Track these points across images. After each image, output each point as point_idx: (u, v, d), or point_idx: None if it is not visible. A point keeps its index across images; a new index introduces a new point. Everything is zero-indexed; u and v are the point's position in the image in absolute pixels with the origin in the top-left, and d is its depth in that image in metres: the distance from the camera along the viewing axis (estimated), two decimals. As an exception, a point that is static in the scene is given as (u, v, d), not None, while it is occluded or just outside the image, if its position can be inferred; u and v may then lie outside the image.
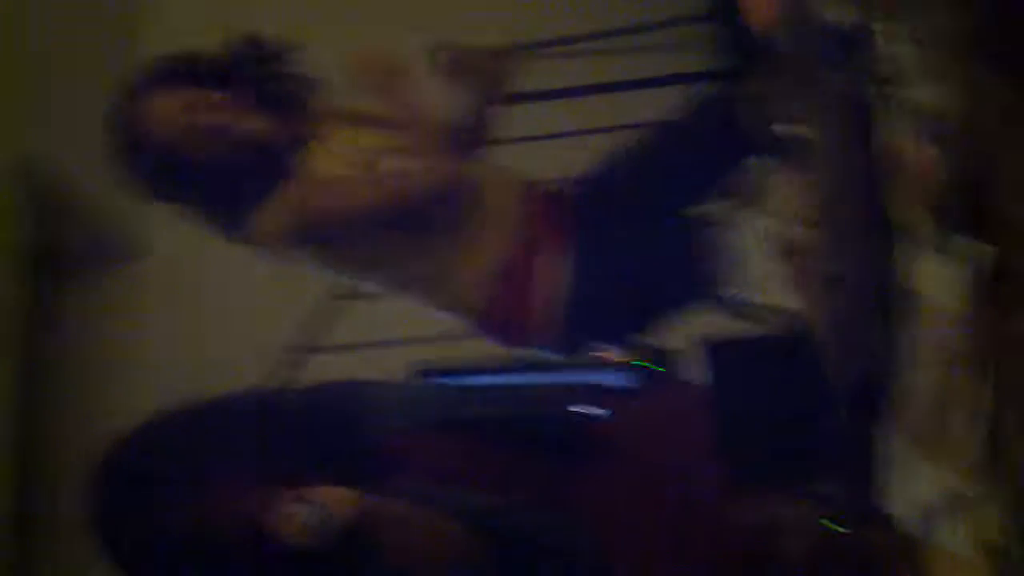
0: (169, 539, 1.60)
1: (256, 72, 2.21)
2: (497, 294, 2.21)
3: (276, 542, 1.50)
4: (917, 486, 1.28)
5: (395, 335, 3.72)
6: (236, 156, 2.11)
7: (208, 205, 2.18)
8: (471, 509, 1.65)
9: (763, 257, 1.50)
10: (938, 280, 1.22)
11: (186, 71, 2.17)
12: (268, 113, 2.17)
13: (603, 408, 1.91)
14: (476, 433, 1.77)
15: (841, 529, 1.56)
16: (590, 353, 2.40)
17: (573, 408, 1.89)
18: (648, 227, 2.26)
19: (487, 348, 3.27)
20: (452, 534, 1.63)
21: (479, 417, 1.79)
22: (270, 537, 1.51)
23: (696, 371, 1.85)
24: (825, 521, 1.63)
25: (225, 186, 2.12)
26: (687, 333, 1.90)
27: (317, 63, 2.29)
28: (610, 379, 2.80)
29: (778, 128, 1.43)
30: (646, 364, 2.74)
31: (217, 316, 4.28)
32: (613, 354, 2.91)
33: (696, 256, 1.78)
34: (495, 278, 2.21)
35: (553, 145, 2.90)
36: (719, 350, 1.64)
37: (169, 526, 1.60)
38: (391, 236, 2.15)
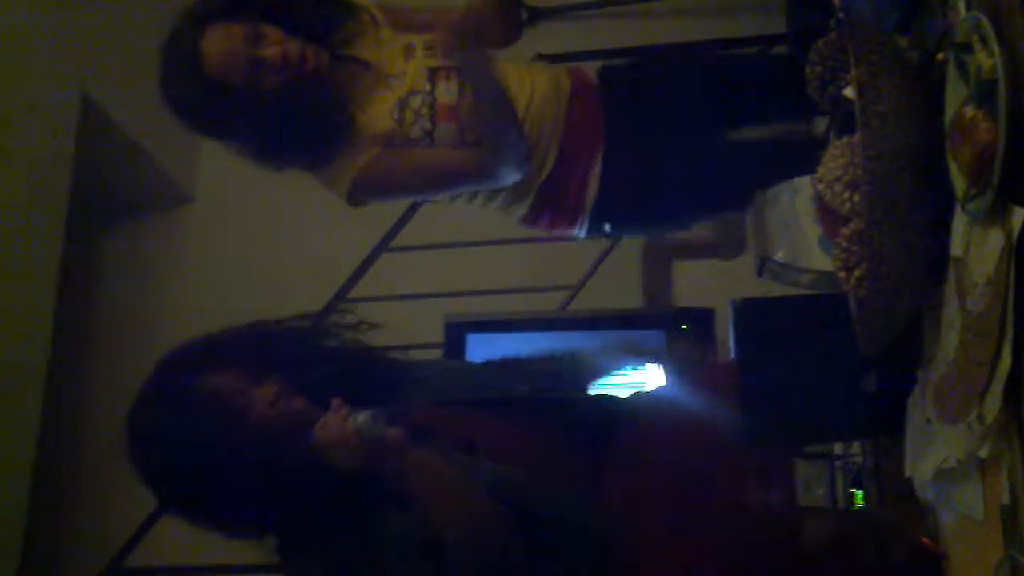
0: (203, 453, 1.60)
1: (305, 5, 2.22)
2: (546, 181, 2.26)
3: (319, 452, 1.52)
4: (935, 449, 1.26)
5: (432, 288, 3.74)
6: (291, 87, 2.11)
7: (259, 138, 2.18)
8: (494, 481, 1.65)
9: (811, 222, 1.47)
10: (974, 245, 1.19)
11: (238, 4, 2.17)
12: (319, 44, 2.18)
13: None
14: (502, 410, 1.77)
15: (861, 504, 1.54)
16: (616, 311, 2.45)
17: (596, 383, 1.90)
18: (692, 132, 2.31)
19: (519, 303, 3.28)
20: (478, 500, 1.63)
21: (505, 395, 1.80)
22: (313, 448, 1.52)
23: (729, 331, 1.83)
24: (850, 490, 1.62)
25: (279, 116, 2.13)
26: (724, 293, 1.88)
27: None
28: (641, 339, 2.80)
29: (841, 92, 1.40)
30: (680, 323, 2.74)
31: (258, 264, 4.31)
32: (646, 308, 2.93)
33: (732, 170, 1.79)
34: (544, 166, 2.25)
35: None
36: (747, 309, 1.62)
37: (205, 439, 1.60)
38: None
